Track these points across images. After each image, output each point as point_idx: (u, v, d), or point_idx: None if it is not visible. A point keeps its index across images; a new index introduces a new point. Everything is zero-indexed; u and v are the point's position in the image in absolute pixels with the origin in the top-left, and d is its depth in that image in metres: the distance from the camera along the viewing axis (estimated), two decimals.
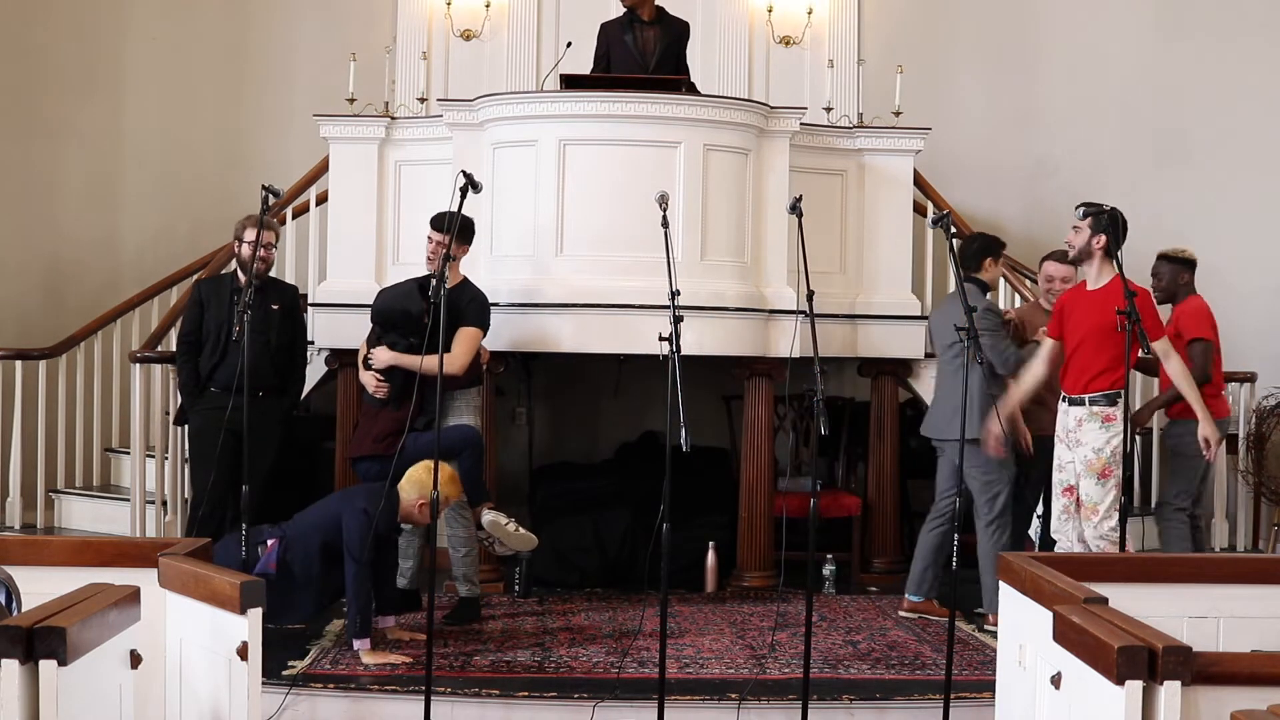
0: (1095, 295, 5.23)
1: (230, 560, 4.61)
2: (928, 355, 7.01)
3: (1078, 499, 5.20)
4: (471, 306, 5.67)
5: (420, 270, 5.82)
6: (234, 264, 6.01)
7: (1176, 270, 6.20)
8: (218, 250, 7.12)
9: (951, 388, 5.56)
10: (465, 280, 5.78)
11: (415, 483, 5.09)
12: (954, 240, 4.97)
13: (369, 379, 5.65)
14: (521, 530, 5.51)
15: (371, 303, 5.87)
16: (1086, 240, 5.21)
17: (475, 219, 5.81)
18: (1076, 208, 5.28)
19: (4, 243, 8.13)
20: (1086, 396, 5.18)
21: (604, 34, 6.82)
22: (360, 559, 4.91)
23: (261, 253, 5.43)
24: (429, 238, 5.68)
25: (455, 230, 5.13)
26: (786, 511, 6.15)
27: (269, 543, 5.01)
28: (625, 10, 6.80)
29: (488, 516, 5.49)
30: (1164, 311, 5.78)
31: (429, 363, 4.96)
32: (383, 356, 5.60)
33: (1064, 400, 5.32)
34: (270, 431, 5.62)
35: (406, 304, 5.60)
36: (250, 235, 5.61)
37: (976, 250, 5.88)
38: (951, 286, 5.33)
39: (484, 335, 5.76)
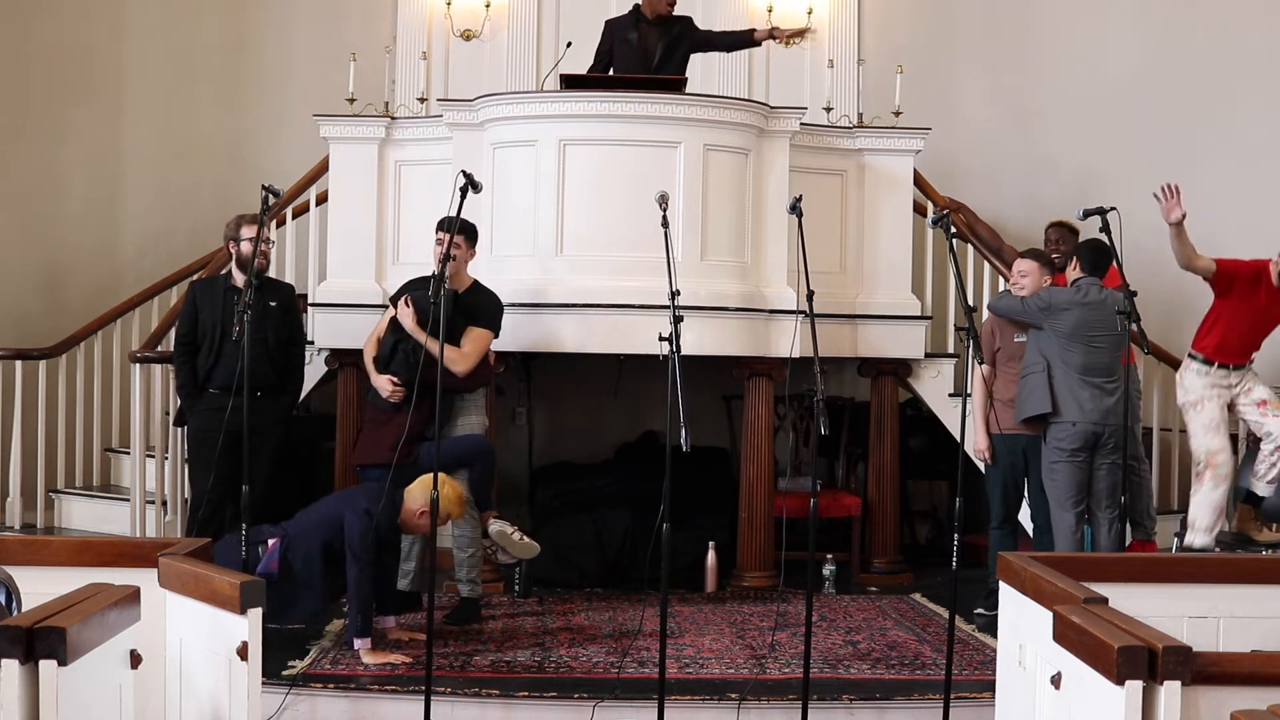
0: None
1: (230, 560, 4.60)
2: (927, 355, 7.01)
3: None
4: (487, 309, 5.68)
5: (420, 270, 5.82)
6: (229, 264, 5.96)
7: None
8: (217, 250, 7.09)
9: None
10: (477, 283, 5.78)
11: (427, 488, 4.91)
12: (954, 240, 4.97)
13: (384, 382, 5.58)
14: (526, 539, 5.55)
15: (378, 300, 5.84)
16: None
17: (476, 219, 5.81)
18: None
19: (4, 243, 8.12)
20: None
21: (608, 31, 6.85)
22: (362, 559, 4.91)
23: (263, 247, 5.42)
24: (437, 240, 5.63)
25: (456, 230, 5.11)
26: (786, 511, 6.15)
27: (270, 542, 5.01)
28: (631, 8, 6.83)
29: (494, 526, 5.50)
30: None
31: (437, 348, 4.97)
32: (407, 323, 5.54)
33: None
34: (270, 431, 5.59)
35: (423, 301, 5.56)
36: (246, 233, 5.59)
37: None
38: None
39: (495, 338, 5.75)
